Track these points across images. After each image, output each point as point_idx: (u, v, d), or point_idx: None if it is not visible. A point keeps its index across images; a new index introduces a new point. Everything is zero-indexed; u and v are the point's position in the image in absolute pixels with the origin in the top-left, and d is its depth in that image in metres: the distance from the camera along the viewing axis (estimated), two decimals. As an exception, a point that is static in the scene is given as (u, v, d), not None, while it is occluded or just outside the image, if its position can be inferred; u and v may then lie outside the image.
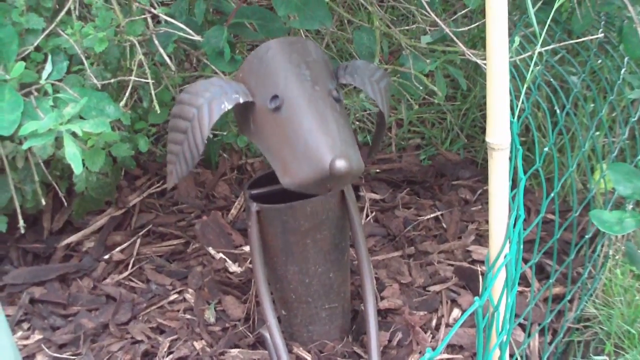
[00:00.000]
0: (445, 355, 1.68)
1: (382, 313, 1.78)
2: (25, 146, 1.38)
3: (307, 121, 1.37)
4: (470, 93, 2.42)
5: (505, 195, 1.13)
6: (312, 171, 1.34)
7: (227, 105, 1.40)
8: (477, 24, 1.92)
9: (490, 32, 1.05)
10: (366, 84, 1.49)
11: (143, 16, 1.60)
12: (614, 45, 1.99)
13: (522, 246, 1.15)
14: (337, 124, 1.38)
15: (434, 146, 2.38)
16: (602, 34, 1.88)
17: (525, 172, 1.22)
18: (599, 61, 2.03)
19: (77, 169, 1.36)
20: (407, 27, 2.05)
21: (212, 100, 1.40)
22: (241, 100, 1.42)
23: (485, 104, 2.39)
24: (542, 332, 1.69)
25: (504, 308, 1.14)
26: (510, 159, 1.16)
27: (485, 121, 2.40)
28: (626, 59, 1.91)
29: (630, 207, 1.81)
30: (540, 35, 1.24)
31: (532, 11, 1.20)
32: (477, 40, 2.43)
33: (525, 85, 1.20)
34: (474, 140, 2.41)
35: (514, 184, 1.19)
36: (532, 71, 1.24)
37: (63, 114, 1.40)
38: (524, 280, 1.86)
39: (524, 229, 1.29)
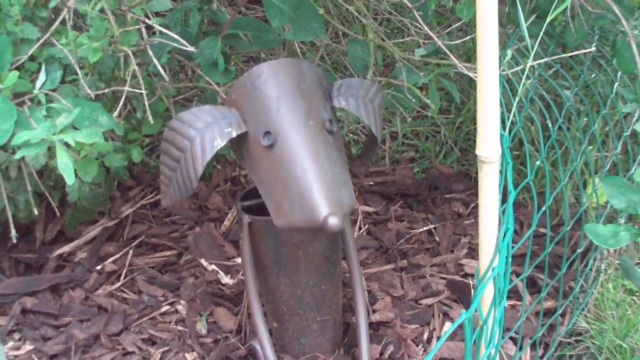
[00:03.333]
0: (437, 369, 1.68)
1: (373, 326, 1.78)
2: (17, 156, 1.38)
3: (300, 164, 1.37)
4: (464, 106, 2.42)
5: (495, 208, 1.13)
6: (304, 221, 1.37)
7: (220, 142, 1.40)
8: (471, 36, 1.93)
9: (480, 44, 1.05)
10: (360, 107, 1.49)
11: (137, 27, 1.60)
12: (607, 59, 1.99)
13: (510, 259, 1.15)
14: (330, 163, 1.39)
15: (428, 159, 2.38)
16: (595, 48, 1.88)
17: (518, 186, 1.22)
18: (593, 75, 2.04)
19: (69, 179, 1.36)
20: (401, 40, 2.06)
21: (204, 133, 1.40)
22: (234, 135, 1.41)
23: (479, 117, 2.41)
24: (533, 346, 1.69)
25: (492, 321, 1.14)
26: (501, 172, 1.16)
27: (479, 134, 2.42)
28: (619, 73, 1.91)
29: (622, 221, 1.82)
30: (533, 48, 1.24)
31: (524, 25, 1.21)
32: (472, 54, 2.44)
33: (517, 98, 1.20)
34: (467, 153, 2.41)
35: (505, 198, 1.19)
36: (523, 84, 1.24)
37: (56, 124, 1.40)
38: (515, 294, 1.86)
39: (516, 243, 1.29)
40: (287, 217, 1.39)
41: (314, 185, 1.36)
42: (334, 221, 1.33)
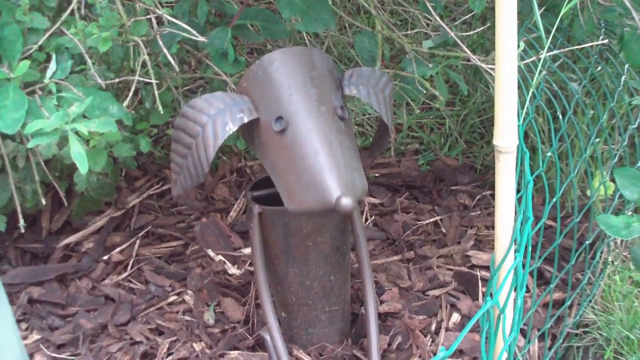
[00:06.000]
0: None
1: (381, 317, 1.78)
2: (30, 145, 1.37)
3: (312, 148, 1.37)
4: (470, 99, 2.43)
5: (511, 197, 1.13)
6: (317, 203, 1.36)
7: (232, 127, 1.40)
8: (476, 30, 1.93)
9: (499, 36, 1.05)
10: (371, 96, 1.49)
11: (147, 17, 1.60)
12: (614, 52, 2.00)
13: (530, 248, 1.16)
14: (342, 148, 1.39)
15: (433, 151, 2.39)
16: (606, 40, 1.88)
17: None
18: (599, 68, 2.04)
19: (83, 168, 1.35)
20: (407, 32, 2.06)
21: (216, 119, 1.40)
22: (246, 120, 1.41)
23: (484, 109, 2.42)
24: (541, 337, 1.69)
25: (511, 310, 1.14)
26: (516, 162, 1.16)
27: (484, 127, 2.43)
28: (626, 66, 1.91)
29: (629, 213, 1.82)
30: (544, 41, 1.25)
31: (539, 18, 1.21)
32: (477, 47, 2.44)
33: (532, 90, 1.21)
34: (472, 145, 2.41)
35: (518, 187, 1.20)
36: (537, 76, 1.24)
37: (68, 113, 1.39)
38: (522, 286, 1.87)
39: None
40: (300, 202, 1.38)
41: (326, 168, 1.35)
42: (346, 202, 1.32)
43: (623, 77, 1.90)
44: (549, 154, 1.47)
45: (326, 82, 1.45)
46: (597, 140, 2.06)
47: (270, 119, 1.41)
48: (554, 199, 1.48)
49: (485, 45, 2.43)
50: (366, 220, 2.09)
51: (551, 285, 1.60)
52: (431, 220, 2.09)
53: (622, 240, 1.90)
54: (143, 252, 2.00)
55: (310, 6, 1.63)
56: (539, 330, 1.71)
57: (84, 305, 1.85)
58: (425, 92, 1.85)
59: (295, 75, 1.42)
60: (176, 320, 1.80)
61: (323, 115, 1.40)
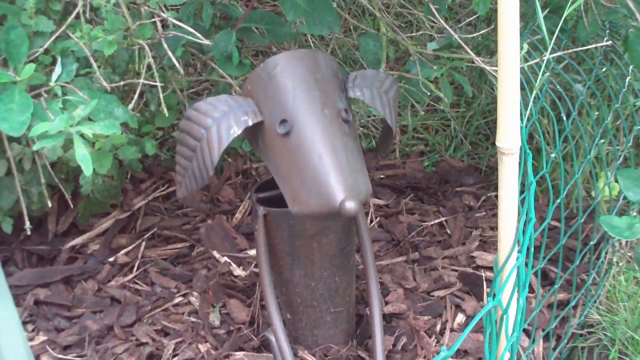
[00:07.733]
0: (450, 360, 1.69)
1: (386, 317, 1.78)
2: (35, 147, 1.38)
3: (316, 151, 1.38)
4: (475, 100, 2.43)
5: (514, 199, 1.14)
6: (321, 206, 1.37)
7: (237, 130, 1.41)
8: (481, 32, 1.93)
9: (501, 37, 1.06)
10: (375, 98, 1.49)
11: (152, 20, 1.61)
12: (619, 53, 2.00)
13: (532, 249, 1.16)
14: (346, 151, 1.39)
15: (438, 153, 2.39)
16: (610, 42, 1.89)
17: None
18: (604, 69, 2.04)
19: (87, 170, 1.36)
20: (412, 34, 2.06)
21: (220, 122, 1.40)
22: (250, 123, 1.42)
23: (489, 111, 2.42)
24: (546, 338, 1.69)
25: (514, 311, 1.15)
26: (519, 163, 1.17)
27: (489, 128, 2.43)
28: (631, 67, 1.92)
29: (634, 214, 1.82)
30: (549, 43, 1.25)
31: (542, 20, 1.21)
32: (482, 48, 2.44)
33: (535, 91, 1.21)
34: (477, 147, 2.41)
35: (522, 189, 1.20)
36: (541, 77, 1.25)
37: (73, 116, 1.40)
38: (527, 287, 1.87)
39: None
40: (304, 204, 1.39)
41: (330, 171, 1.36)
42: (350, 205, 1.33)
43: (628, 78, 1.90)
44: (553, 155, 1.47)
45: (330, 85, 1.45)
46: (602, 141, 2.07)
47: (274, 121, 1.42)
48: (559, 200, 1.48)
49: (490, 47, 2.44)
50: (371, 221, 2.10)
51: (556, 286, 1.61)
52: (436, 221, 2.09)
53: (627, 241, 1.90)
54: (149, 253, 2.01)
55: (314, 9, 1.64)
56: (543, 330, 1.71)
57: (90, 307, 1.86)
58: (430, 93, 1.85)
59: (300, 77, 1.43)
60: (182, 321, 1.81)
61: (327, 118, 1.40)
